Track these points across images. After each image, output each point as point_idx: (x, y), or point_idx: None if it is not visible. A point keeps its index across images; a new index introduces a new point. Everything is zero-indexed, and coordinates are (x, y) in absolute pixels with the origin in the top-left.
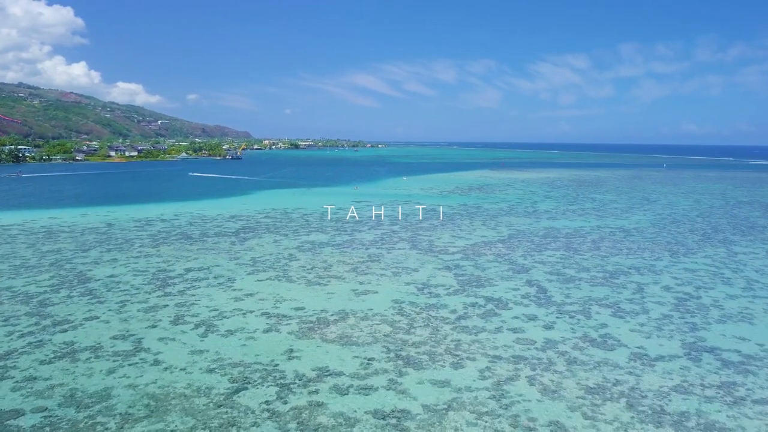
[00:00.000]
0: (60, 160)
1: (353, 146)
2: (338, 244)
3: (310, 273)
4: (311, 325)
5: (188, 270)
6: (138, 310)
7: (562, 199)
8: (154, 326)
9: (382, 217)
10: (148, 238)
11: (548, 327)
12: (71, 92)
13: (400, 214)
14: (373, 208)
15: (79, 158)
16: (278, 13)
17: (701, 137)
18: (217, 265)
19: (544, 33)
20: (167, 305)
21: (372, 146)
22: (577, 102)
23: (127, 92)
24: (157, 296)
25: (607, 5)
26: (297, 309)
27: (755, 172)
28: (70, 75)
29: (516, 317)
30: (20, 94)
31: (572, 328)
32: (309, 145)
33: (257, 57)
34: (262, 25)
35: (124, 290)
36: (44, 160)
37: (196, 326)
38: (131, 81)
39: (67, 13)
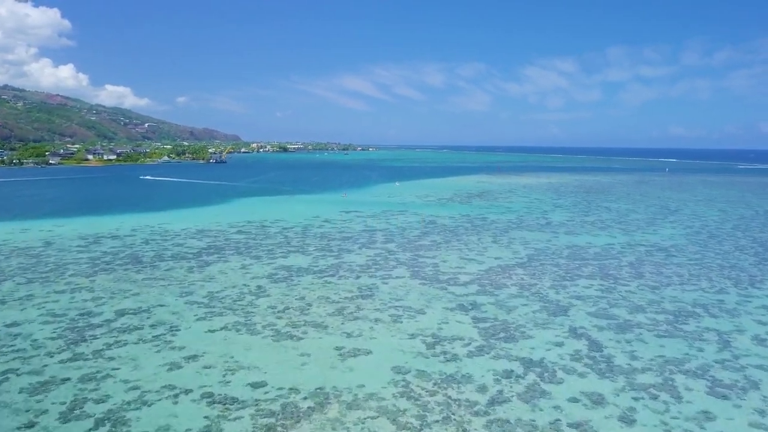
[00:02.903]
0: (32, 164)
1: (343, 149)
2: (321, 271)
3: (280, 318)
4: (272, 420)
5: (120, 313)
6: (19, 391)
7: (573, 209)
8: (29, 426)
9: (375, 232)
10: (86, 263)
11: (628, 420)
12: (57, 94)
13: (395, 227)
14: (365, 219)
15: (53, 162)
16: (268, 15)
17: (691, 140)
18: (161, 305)
19: (533, 36)
20: (68, 379)
21: (362, 149)
22: (566, 105)
23: (115, 95)
24: (60, 362)
25: (594, 9)
26: (255, 386)
27: (759, 176)
28: (57, 77)
29: (574, 399)
30: (4, 96)
31: (664, 423)
32: (298, 148)
33: (247, 59)
34: (253, 27)
35: (18, 350)
36: (14, 164)
37: (95, 426)
38: (120, 84)
39: (53, 14)
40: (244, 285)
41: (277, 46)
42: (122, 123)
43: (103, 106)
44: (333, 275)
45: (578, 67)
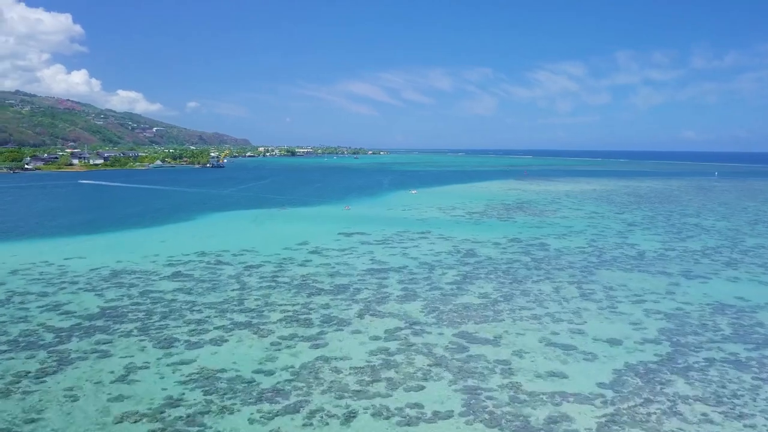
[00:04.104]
0: (5, 170)
1: (353, 153)
2: (276, 393)
3: None
4: None
5: None
6: None
7: (655, 228)
8: None
9: (387, 275)
10: None
11: None
12: (68, 99)
13: (416, 264)
14: (371, 248)
15: (29, 167)
16: (275, 23)
17: (701, 144)
18: None
19: (541, 41)
20: None
21: (373, 153)
22: (575, 109)
23: (126, 100)
24: None
25: (601, 13)
26: None
27: None
28: (69, 83)
29: None
30: (10, 101)
31: None
32: (307, 152)
33: (255, 65)
34: (260, 33)
35: None
36: None
37: None
38: (131, 89)
39: (65, 20)
40: None
41: (283, 53)
42: (130, 128)
43: (113, 111)
44: (298, 408)
45: (587, 70)
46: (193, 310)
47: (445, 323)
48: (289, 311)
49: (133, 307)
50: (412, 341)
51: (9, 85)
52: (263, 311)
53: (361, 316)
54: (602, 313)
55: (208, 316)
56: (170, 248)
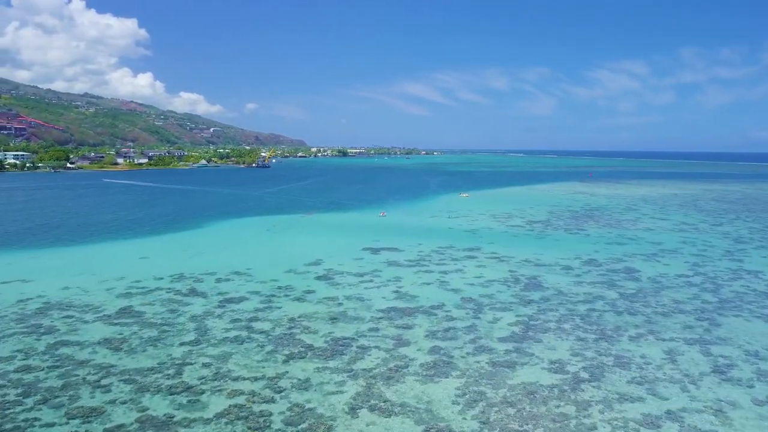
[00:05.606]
0: (48, 169)
1: (406, 154)
2: None
3: None
4: None
5: None
6: None
7: None
8: None
9: (413, 320)
10: None
11: None
12: (131, 101)
13: (456, 301)
14: (398, 272)
15: (72, 166)
16: (333, 24)
17: None
18: None
19: (599, 39)
20: None
21: (427, 153)
22: (637, 109)
23: (188, 102)
24: None
25: (662, 9)
26: None
27: None
28: (135, 86)
29: None
30: (77, 103)
31: None
32: (359, 153)
33: (314, 67)
34: (314, 36)
35: None
36: (28, 168)
37: None
38: (193, 91)
39: (131, 24)
40: None
41: (340, 55)
42: (188, 128)
43: (174, 112)
44: None
45: (649, 69)
46: (98, 387)
47: None
48: (241, 394)
49: (15, 377)
50: None
51: (79, 88)
52: (203, 393)
53: (353, 411)
54: (766, 415)
55: (113, 401)
56: (145, 268)
